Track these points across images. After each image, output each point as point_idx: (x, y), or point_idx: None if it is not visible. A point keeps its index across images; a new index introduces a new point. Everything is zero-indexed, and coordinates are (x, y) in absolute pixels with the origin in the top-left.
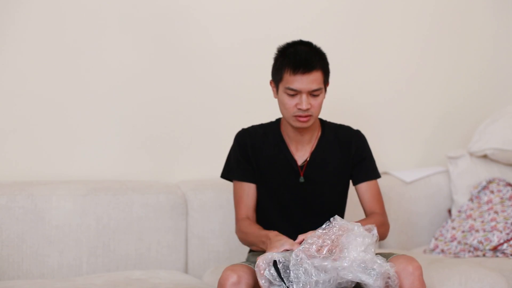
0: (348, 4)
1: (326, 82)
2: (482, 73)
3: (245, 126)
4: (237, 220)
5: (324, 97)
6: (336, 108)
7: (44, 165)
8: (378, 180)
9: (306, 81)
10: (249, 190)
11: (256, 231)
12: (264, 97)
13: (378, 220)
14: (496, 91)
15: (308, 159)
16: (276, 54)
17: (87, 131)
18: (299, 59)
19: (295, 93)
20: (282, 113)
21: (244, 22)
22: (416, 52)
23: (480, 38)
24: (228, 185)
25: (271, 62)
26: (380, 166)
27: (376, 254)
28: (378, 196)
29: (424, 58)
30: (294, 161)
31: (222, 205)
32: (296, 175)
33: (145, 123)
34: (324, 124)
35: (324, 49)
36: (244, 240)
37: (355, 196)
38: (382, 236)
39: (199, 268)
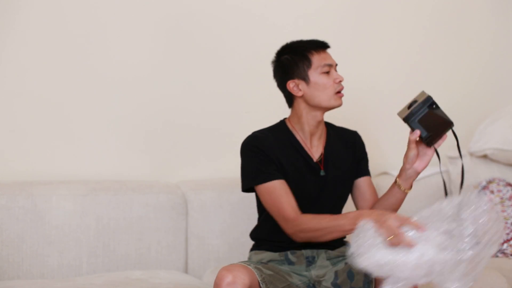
0: (347, 2)
1: None
2: (481, 73)
3: (245, 127)
4: (289, 220)
5: None
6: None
7: (44, 165)
8: (379, 180)
9: (330, 56)
10: (285, 186)
11: (333, 218)
12: (264, 98)
13: None
14: (496, 91)
15: (323, 153)
16: (282, 56)
17: (87, 131)
18: (315, 40)
19: (329, 69)
20: (320, 100)
21: (245, 22)
22: (415, 51)
23: (480, 38)
24: (228, 185)
25: (268, 65)
26: (380, 166)
27: None
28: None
29: (423, 58)
30: (310, 158)
31: (222, 205)
32: (316, 170)
33: (145, 123)
34: (325, 122)
35: None
36: (313, 235)
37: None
38: None
39: (199, 268)
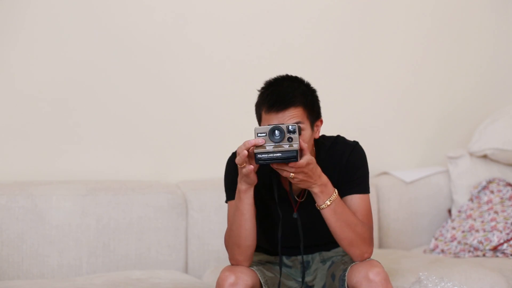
0: (349, 5)
1: (312, 118)
2: (482, 73)
3: (245, 127)
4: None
5: (312, 134)
6: (335, 108)
7: (44, 165)
8: (379, 180)
9: (282, 119)
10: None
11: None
12: None
13: (363, 229)
14: (496, 91)
15: (304, 192)
16: (260, 89)
17: (87, 131)
18: (275, 97)
19: None
20: None
21: (245, 24)
22: (416, 52)
23: (480, 38)
24: None
25: (271, 63)
26: (380, 166)
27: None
28: (365, 211)
29: (424, 59)
30: (287, 196)
31: (222, 205)
32: (291, 210)
33: (145, 123)
34: (319, 146)
35: (325, 52)
36: (232, 233)
37: None
38: (360, 255)
39: (199, 268)
